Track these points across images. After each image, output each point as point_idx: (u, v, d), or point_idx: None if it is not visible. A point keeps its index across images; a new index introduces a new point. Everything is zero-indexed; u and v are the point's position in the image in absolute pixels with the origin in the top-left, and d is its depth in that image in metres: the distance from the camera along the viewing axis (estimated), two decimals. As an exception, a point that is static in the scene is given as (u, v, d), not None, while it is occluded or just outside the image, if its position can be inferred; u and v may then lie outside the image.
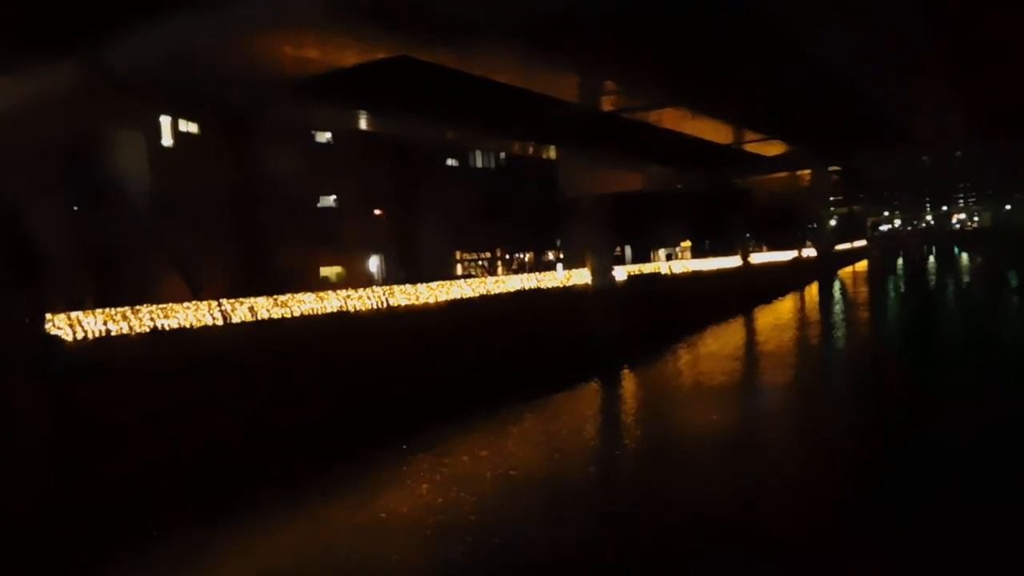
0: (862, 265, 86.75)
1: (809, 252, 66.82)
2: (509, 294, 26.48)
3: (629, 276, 34.23)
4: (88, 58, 12.95)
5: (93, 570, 10.34)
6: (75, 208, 22.49)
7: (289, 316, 18.38)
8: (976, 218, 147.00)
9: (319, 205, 35.54)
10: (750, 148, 35.52)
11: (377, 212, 35.84)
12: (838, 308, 41.77)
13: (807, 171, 47.67)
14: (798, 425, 15.84)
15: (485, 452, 14.63)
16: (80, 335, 14.60)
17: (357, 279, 33.36)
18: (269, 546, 10.76)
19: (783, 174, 46.64)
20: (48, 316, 14.38)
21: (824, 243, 65.66)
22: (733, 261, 49.72)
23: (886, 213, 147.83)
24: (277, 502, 12.12)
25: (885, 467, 11.79)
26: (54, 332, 14.30)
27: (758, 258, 56.13)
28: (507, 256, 47.64)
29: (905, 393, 17.42)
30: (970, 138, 36.71)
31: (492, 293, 25.66)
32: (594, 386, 21.82)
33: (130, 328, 15.38)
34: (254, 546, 10.72)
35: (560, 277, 30.86)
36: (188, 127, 29.53)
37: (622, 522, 10.57)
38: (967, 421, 14.14)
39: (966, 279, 56.74)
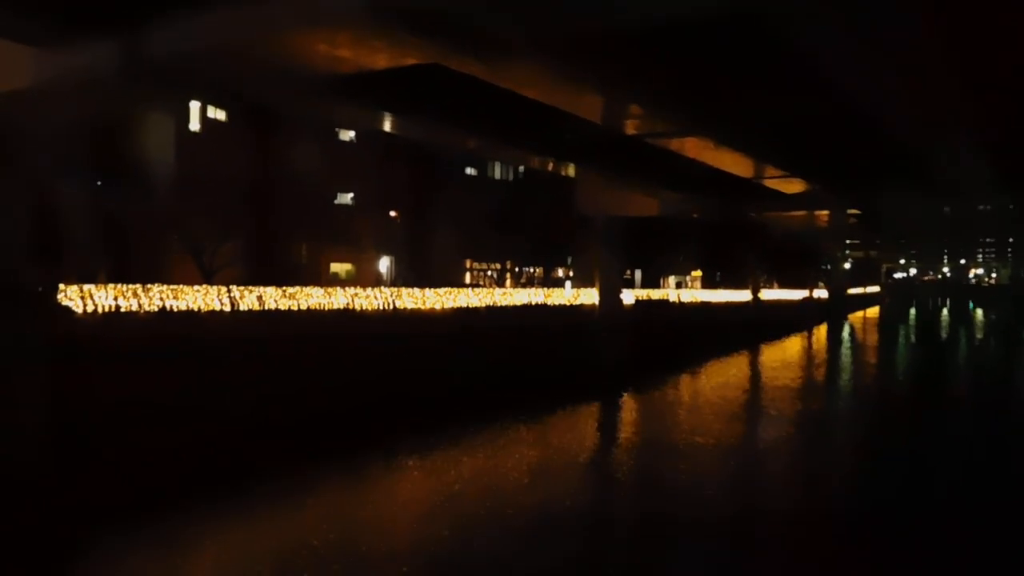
0: (873, 311, 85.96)
1: (820, 293, 66.46)
2: (516, 307, 26.51)
3: (637, 300, 34.19)
4: (127, 40, 13.22)
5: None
6: (98, 183, 22.82)
7: (296, 309, 18.54)
8: (994, 274, 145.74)
9: (336, 202, 35.86)
10: (770, 184, 35.49)
11: (392, 214, 36.08)
12: (845, 355, 41.36)
13: (825, 212, 47.52)
14: (789, 475, 15.57)
15: (472, 467, 14.60)
16: (90, 308, 14.79)
17: (366, 278, 33.56)
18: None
19: (801, 212, 46.50)
20: (61, 287, 14.59)
21: (836, 285, 65.27)
22: (743, 295, 49.55)
23: (902, 261, 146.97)
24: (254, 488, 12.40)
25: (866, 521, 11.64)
26: (65, 303, 14.50)
27: (768, 294, 55.89)
28: (517, 269, 47.74)
29: (903, 452, 17.14)
30: (995, 192, 36.41)
31: (499, 304, 25.71)
32: (593, 409, 21.72)
33: (139, 306, 15.58)
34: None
35: (568, 294, 30.89)
36: (216, 114, 29.96)
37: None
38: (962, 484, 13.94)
39: (979, 336, 56.04)
